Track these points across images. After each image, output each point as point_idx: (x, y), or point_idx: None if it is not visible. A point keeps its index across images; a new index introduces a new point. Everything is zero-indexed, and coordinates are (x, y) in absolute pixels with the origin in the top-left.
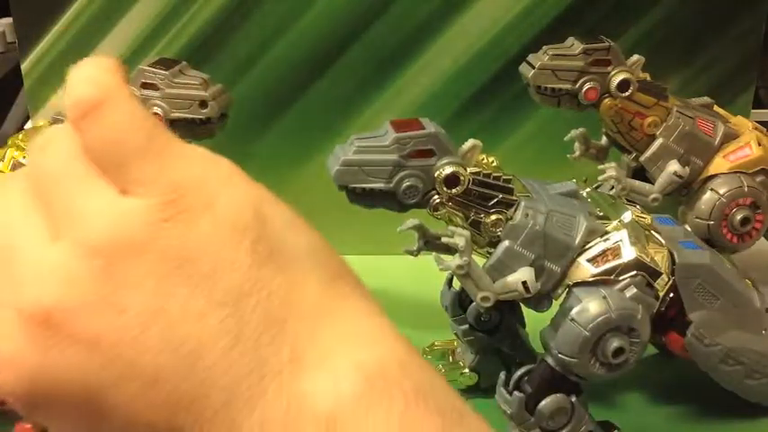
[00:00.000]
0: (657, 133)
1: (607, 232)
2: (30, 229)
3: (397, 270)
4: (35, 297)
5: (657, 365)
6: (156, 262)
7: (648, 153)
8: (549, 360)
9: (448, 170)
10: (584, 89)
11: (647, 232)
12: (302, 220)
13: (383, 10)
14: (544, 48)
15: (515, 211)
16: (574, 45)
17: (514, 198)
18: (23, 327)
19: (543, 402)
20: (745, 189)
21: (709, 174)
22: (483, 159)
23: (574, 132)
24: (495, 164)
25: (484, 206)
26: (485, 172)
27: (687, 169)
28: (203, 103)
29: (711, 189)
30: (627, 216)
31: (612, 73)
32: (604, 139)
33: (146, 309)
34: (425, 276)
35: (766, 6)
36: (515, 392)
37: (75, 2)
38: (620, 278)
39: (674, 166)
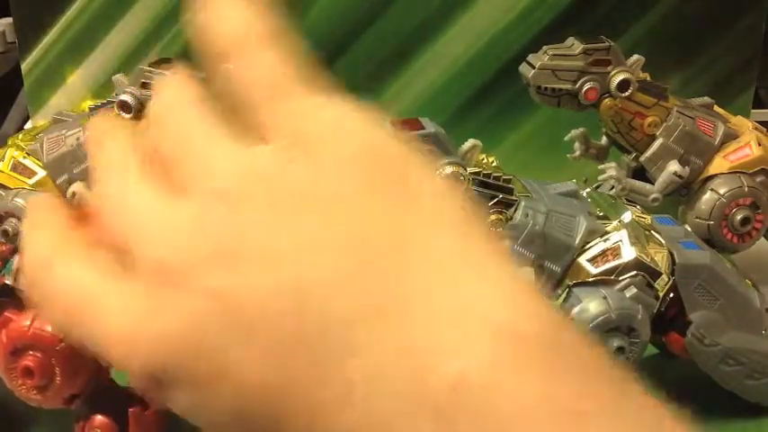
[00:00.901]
0: (657, 133)
1: (607, 232)
2: (150, 194)
3: None
4: (156, 257)
5: (657, 365)
6: (278, 206)
7: (648, 153)
8: None
9: (447, 170)
10: (584, 89)
11: (647, 232)
12: (427, 159)
13: (383, 10)
14: (544, 48)
15: (515, 211)
16: (574, 45)
17: (514, 198)
18: (146, 290)
19: None
20: (746, 189)
21: (709, 174)
22: (483, 159)
23: (574, 132)
24: (495, 164)
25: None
26: (485, 172)
27: (687, 169)
28: None
29: (711, 189)
30: (627, 216)
31: (612, 73)
32: (604, 139)
33: (267, 255)
34: None
35: (766, 6)
36: None
37: (76, 2)
38: (621, 278)
39: (674, 166)
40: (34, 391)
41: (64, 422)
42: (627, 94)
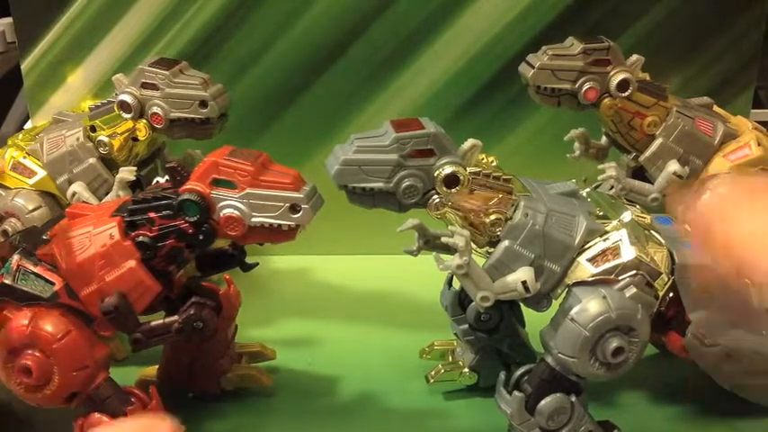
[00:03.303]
0: (657, 133)
1: (607, 232)
2: None
3: (397, 270)
4: None
5: (657, 365)
6: None
7: (648, 153)
8: (549, 360)
9: (448, 170)
10: (584, 89)
11: (646, 232)
12: None
13: (383, 10)
14: (544, 48)
15: (515, 210)
16: (574, 45)
17: (514, 198)
18: None
19: (543, 402)
20: None
21: (709, 174)
22: (483, 159)
23: (574, 132)
24: (494, 164)
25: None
26: (485, 172)
27: (687, 169)
28: (203, 103)
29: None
30: (627, 216)
31: (612, 73)
32: (604, 139)
33: None
34: (425, 276)
35: (766, 6)
36: (515, 392)
37: (76, 2)
38: (620, 278)
39: (673, 166)
40: (32, 390)
41: (63, 422)
42: (627, 93)
